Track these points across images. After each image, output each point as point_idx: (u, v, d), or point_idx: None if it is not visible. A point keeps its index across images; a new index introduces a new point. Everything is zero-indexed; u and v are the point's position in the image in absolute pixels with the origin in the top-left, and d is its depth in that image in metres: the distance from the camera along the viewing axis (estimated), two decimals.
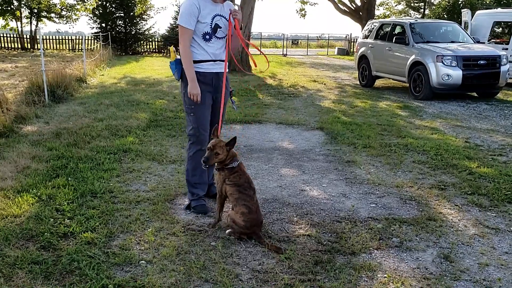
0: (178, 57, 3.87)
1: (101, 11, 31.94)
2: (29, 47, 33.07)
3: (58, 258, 3.01)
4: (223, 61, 3.92)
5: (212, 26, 3.77)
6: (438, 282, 2.87)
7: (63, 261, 2.96)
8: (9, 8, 33.37)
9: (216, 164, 3.55)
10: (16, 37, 33.71)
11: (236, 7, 4.00)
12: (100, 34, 24.95)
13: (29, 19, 35.05)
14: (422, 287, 2.83)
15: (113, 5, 30.43)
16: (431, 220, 3.79)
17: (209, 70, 3.86)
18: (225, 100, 3.96)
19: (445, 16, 31.48)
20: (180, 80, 3.94)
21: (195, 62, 3.80)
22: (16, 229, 3.38)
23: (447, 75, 10.05)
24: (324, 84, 13.56)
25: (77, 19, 36.99)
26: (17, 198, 3.97)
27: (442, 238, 3.49)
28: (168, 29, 29.92)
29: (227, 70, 4.00)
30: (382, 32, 12.94)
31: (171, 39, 28.76)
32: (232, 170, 3.50)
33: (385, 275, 2.94)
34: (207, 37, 3.78)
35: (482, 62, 10.27)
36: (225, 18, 3.83)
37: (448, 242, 3.42)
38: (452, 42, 11.51)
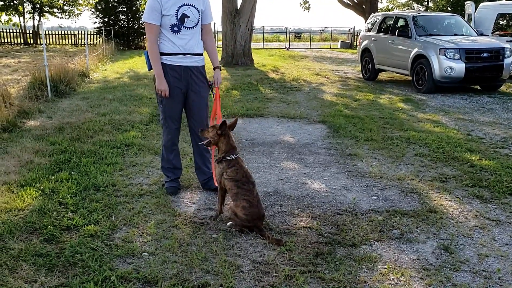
0: None
1: (103, 6, 31.90)
2: (31, 42, 33.12)
3: (61, 250, 3.05)
4: (195, 54, 3.86)
5: (179, 17, 3.72)
6: (437, 273, 2.89)
7: (66, 253, 3.00)
8: (11, 3, 33.41)
9: (216, 155, 3.62)
10: (19, 32, 33.76)
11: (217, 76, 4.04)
12: (103, 28, 24.96)
13: (31, 14, 35.11)
14: (421, 278, 2.85)
15: (116, 0, 30.40)
16: (432, 212, 3.81)
17: (178, 64, 3.83)
18: (204, 94, 4.01)
19: (449, 9, 31.33)
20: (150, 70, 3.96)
21: (164, 54, 3.79)
22: (19, 222, 3.42)
23: (450, 68, 10.03)
24: (327, 77, 13.55)
25: (80, 13, 37.13)
26: (20, 192, 4.01)
27: (442, 229, 3.51)
28: None
29: (202, 64, 3.99)
30: (385, 25, 12.90)
31: None
32: (229, 163, 3.55)
33: (385, 266, 2.96)
34: (175, 28, 3.75)
35: (485, 54, 10.23)
36: (193, 6, 3.76)
37: (449, 233, 3.44)
38: (455, 35, 11.46)
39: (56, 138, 5.78)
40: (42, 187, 4.11)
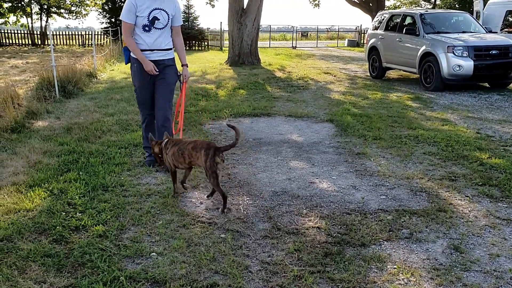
0: None
1: (110, 6, 32.06)
2: (39, 43, 33.34)
3: (70, 251, 3.05)
4: (161, 50, 4.51)
5: (150, 19, 4.37)
6: (447, 272, 2.87)
7: (75, 253, 3.00)
8: (19, 5, 33.65)
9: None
10: (27, 33, 34.01)
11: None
12: (110, 29, 25.05)
13: (39, 15, 35.36)
14: (431, 277, 2.82)
15: (123, 0, 30.48)
16: (441, 211, 3.77)
17: (148, 58, 4.46)
18: (169, 81, 4.63)
19: (457, 6, 31.14)
20: (128, 64, 4.68)
21: None
22: (28, 223, 3.43)
23: (458, 65, 9.95)
24: (334, 76, 13.50)
25: (87, 14, 37.30)
26: (29, 192, 4.02)
27: (452, 229, 3.47)
28: None
29: (170, 57, 4.60)
30: (392, 23, 12.83)
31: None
32: (165, 146, 4.06)
33: (395, 266, 2.94)
34: (146, 28, 4.41)
35: (494, 52, 10.14)
36: (164, 11, 4.41)
37: (458, 233, 3.41)
38: (464, 32, 11.37)
39: (64, 139, 5.80)
40: (50, 188, 4.12)
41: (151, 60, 4.48)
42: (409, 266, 2.95)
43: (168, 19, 4.47)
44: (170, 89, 4.69)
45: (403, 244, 3.25)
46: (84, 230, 3.36)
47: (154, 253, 3.06)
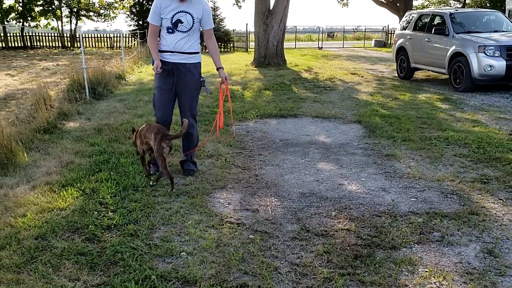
0: None
1: (138, 9, 32.55)
2: (69, 45, 34.07)
3: (102, 249, 3.11)
4: (182, 53, 4.42)
5: (173, 21, 4.32)
6: (481, 277, 2.81)
7: (107, 252, 3.06)
8: (50, 8, 34.46)
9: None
10: (57, 36, 34.79)
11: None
12: (138, 31, 25.42)
13: (69, 18, 36.12)
14: (465, 282, 2.77)
15: (150, 2, 30.89)
16: (473, 215, 3.70)
17: (168, 60, 4.43)
18: (191, 86, 4.54)
19: (488, 5, 30.46)
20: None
21: (160, 51, 4.45)
22: (62, 222, 3.51)
23: (490, 65, 9.73)
24: (361, 76, 13.38)
25: (115, 17, 37.95)
26: (62, 192, 4.12)
27: (485, 232, 3.40)
28: None
29: (191, 62, 4.48)
30: (421, 23, 12.64)
31: None
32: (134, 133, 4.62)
33: (426, 270, 2.89)
34: (170, 30, 4.37)
35: None
36: (189, 14, 4.32)
37: (492, 236, 3.33)
38: (495, 31, 11.11)
39: (95, 139, 5.91)
40: (82, 187, 4.21)
41: (170, 62, 4.43)
42: (441, 270, 2.90)
43: (193, 23, 4.36)
44: (191, 94, 4.58)
45: (434, 247, 3.20)
46: (115, 229, 3.42)
47: (184, 253, 3.09)
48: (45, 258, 2.98)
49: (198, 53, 4.55)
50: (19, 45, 32.88)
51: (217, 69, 4.61)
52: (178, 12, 4.30)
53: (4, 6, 33.53)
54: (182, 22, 4.33)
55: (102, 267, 2.90)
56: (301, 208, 3.87)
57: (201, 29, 4.54)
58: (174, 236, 3.34)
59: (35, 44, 33.00)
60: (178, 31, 4.35)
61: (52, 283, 2.71)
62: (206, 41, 4.60)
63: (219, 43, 29.17)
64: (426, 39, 11.86)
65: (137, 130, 4.63)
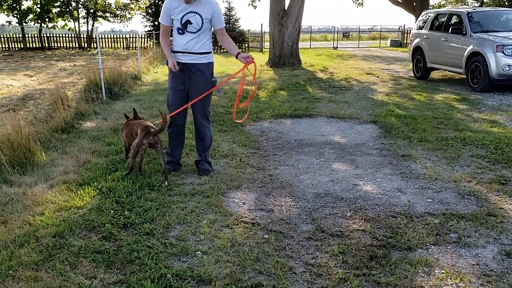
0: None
1: (153, 9, 32.75)
2: (86, 46, 34.43)
3: (118, 248, 3.14)
4: (192, 53, 4.44)
5: (182, 22, 4.35)
6: (499, 279, 2.77)
7: (123, 251, 3.09)
8: (67, 9, 34.87)
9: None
10: (74, 37, 35.20)
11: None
12: (153, 32, 25.59)
13: (85, 19, 36.50)
14: (482, 284, 2.74)
15: None
16: (491, 216, 3.65)
17: (180, 60, 4.47)
18: (202, 87, 4.52)
19: (506, 4, 30.01)
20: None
21: (173, 52, 4.50)
22: (79, 220, 3.55)
23: (508, 65, 9.59)
24: (377, 76, 13.29)
25: (131, 17, 38.24)
26: (79, 190, 4.17)
27: (503, 234, 3.35)
28: None
29: (203, 62, 4.49)
30: (438, 22, 12.51)
31: None
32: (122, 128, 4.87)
33: (443, 271, 2.87)
34: (180, 31, 4.40)
35: None
36: (198, 14, 4.32)
37: (510, 238, 3.29)
38: None
39: (112, 139, 5.97)
40: (99, 186, 4.26)
41: (181, 63, 4.46)
42: (457, 271, 2.87)
43: (202, 23, 4.34)
44: (203, 92, 4.54)
45: (451, 248, 3.17)
46: (132, 228, 3.45)
47: (199, 252, 3.10)
48: (62, 256, 3.02)
49: (209, 53, 4.55)
50: (37, 46, 33.36)
51: (236, 56, 4.54)
52: (188, 13, 4.31)
53: (22, 7, 34.05)
54: (192, 23, 4.33)
55: (119, 266, 2.93)
56: (316, 208, 3.86)
57: (212, 29, 4.56)
58: (189, 235, 3.36)
59: (53, 45, 33.46)
60: (188, 31, 4.37)
61: (70, 281, 2.75)
62: (219, 39, 4.61)
63: (234, 43, 29.24)
64: (443, 39, 11.74)
65: (128, 119, 4.90)
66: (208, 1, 4.35)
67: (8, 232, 3.35)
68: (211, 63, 4.61)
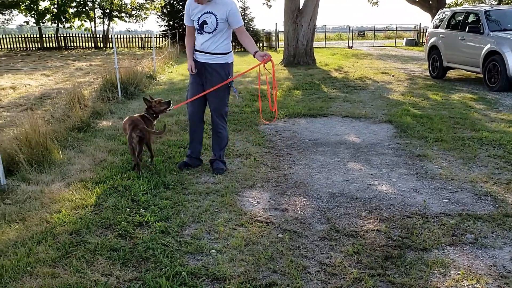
0: None
1: (168, 9, 32.90)
2: (101, 46, 34.75)
3: (134, 245, 3.17)
4: (209, 53, 4.52)
5: (199, 23, 4.44)
6: None
7: (139, 248, 3.12)
8: (83, 10, 35.25)
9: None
10: (90, 37, 35.56)
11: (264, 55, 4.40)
12: (168, 31, 25.73)
13: (101, 19, 36.84)
14: (499, 285, 2.70)
15: (180, 3, 31.24)
16: (508, 217, 3.60)
17: (197, 59, 4.61)
18: (217, 89, 4.56)
19: None
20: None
21: (194, 50, 4.65)
22: (95, 218, 3.59)
23: None
24: (392, 76, 13.19)
25: (146, 17, 38.50)
26: (95, 189, 4.22)
27: None
28: None
29: (219, 62, 4.54)
30: (454, 21, 12.37)
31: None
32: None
33: (459, 272, 2.84)
34: (199, 31, 4.51)
35: None
36: (214, 14, 4.37)
37: None
38: None
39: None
40: (115, 185, 4.30)
41: (199, 62, 4.58)
42: (474, 273, 2.84)
43: (217, 23, 4.37)
44: (218, 95, 4.60)
45: (467, 249, 3.14)
46: (147, 226, 3.48)
47: (213, 250, 3.12)
48: (79, 253, 3.06)
49: (226, 53, 4.56)
50: (54, 46, 33.80)
51: (254, 55, 4.44)
52: (204, 13, 4.39)
53: (40, 8, 34.52)
54: (207, 23, 4.40)
55: (134, 263, 2.96)
56: (330, 208, 3.86)
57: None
58: (204, 233, 3.38)
59: (69, 44, 33.87)
60: (205, 32, 4.45)
61: (86, 278, 2.78)
62: (239, 38, 4.57)
63: None
64: (459, 38, 11.61)
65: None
66: (223, 1, 4.36)
67: (26, 229, 3.40)
68: (228, 64, 4.60)
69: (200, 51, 4.54)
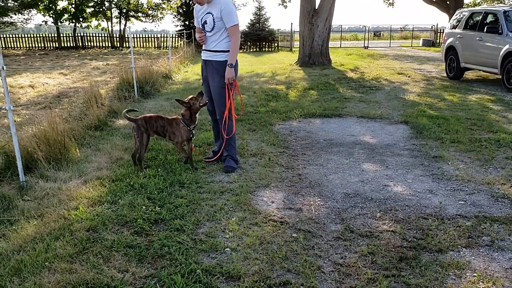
0: None
1: (184, 9, 33.06)
2: (118, 45, 35.06)
3: (150, 243, 3.21)
4: (209, 51, 4.75)
5: (201, 23, 4.72)
6: None
7: (154, 246, 3.15)
8: (100, 10, 35.61)
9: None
10: (106, 36, 35.90)
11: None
12: (184, 31, 25.84)
13: (118, 19, 37.18)
14: None
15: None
16: None
17: (202, 56, 4.88)
18: (216, 84, 4.73)
19: None
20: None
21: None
22: (112, 215, 3.64)
23: None
24: (409, 76, 13.09)
25: (163, 17, 38.72)
26: (112, 186, 4.27)
27: None
28: (248, 25, 30.17)
29: (217, 60, 4.69)
30: (472, 21, 12.23)
31: (251, 35, 29.09)
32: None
33: (475, 274, 2.82)
34: (203, 31, 4.77)
35: None
36: (211, 14, 4.58)
37: None
38: None
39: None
40: (131, 183, 4.35)
41: (202, 59, 4.88)
42: (490, 275, 2.82)
43: (214, 22, 4.57)
44: (216, 91, 4.75)
45: (483, 251, 3.11)
46: (162, 224, 3.51)
47: (228, 249, 3.14)
48: (96, 250, 3.10)
49: (226, 51, 4.67)
50: (71, 45, 34.22)
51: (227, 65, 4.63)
52: (206, 13, 4.65)
53: (58, 7, 34.97)
54: (207, 23, 4.65)
55: (150, 260, 3.00)
56: (345, 208, 3.85)
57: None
58: (219, 232, 3.40)
59: (86, 44, 34.26)
60: (206, 31, 4.72)
61: (103, 273, 2.82)
62: (231, 39, 4.64)
63: (264, 43, 29.26)
64: (477, 38, 11.47)
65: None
66: (220, 0, 4.57)
67: (44, 226, 3.46)
68: (224, 62, 4.66)
69: (204, 49, 4.83)
